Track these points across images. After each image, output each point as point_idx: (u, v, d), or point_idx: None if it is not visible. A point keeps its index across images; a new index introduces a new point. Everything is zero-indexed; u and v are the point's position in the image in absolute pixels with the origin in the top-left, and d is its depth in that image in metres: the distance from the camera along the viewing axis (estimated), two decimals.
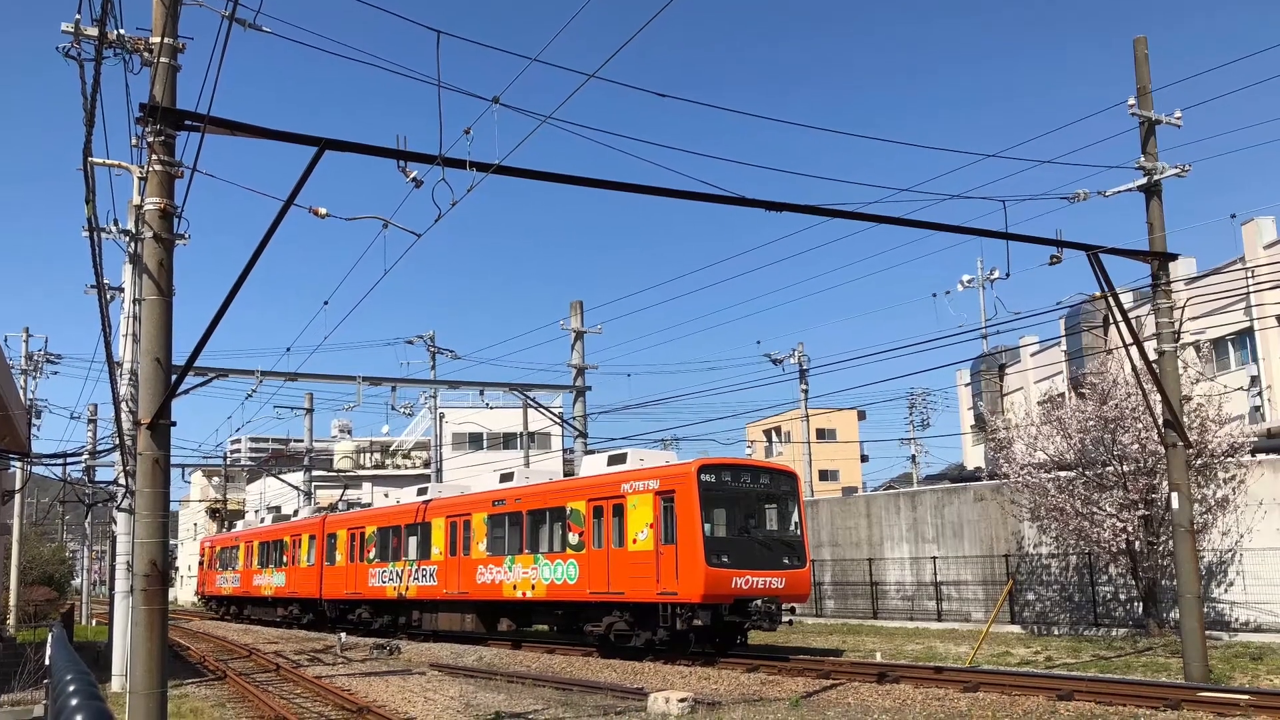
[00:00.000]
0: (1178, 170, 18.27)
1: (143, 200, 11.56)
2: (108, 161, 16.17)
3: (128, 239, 20.31)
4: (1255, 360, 38.33)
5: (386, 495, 38.22)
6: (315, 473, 56.46)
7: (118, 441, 22.51)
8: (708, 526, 21.25)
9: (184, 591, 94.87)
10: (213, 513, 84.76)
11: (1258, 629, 23.91)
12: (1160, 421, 18.90)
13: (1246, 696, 13.88)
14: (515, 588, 26.16)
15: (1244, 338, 39.15)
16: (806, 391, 46.78)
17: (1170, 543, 20.55)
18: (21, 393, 37.45)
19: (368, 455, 79.69)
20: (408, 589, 31.28)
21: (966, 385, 60.40)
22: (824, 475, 72.23)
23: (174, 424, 11.32)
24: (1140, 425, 23.60)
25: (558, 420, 38.74)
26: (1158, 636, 23.88)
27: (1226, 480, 24.07)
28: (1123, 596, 26.86)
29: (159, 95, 11.11)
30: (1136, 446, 23.82)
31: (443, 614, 30.08)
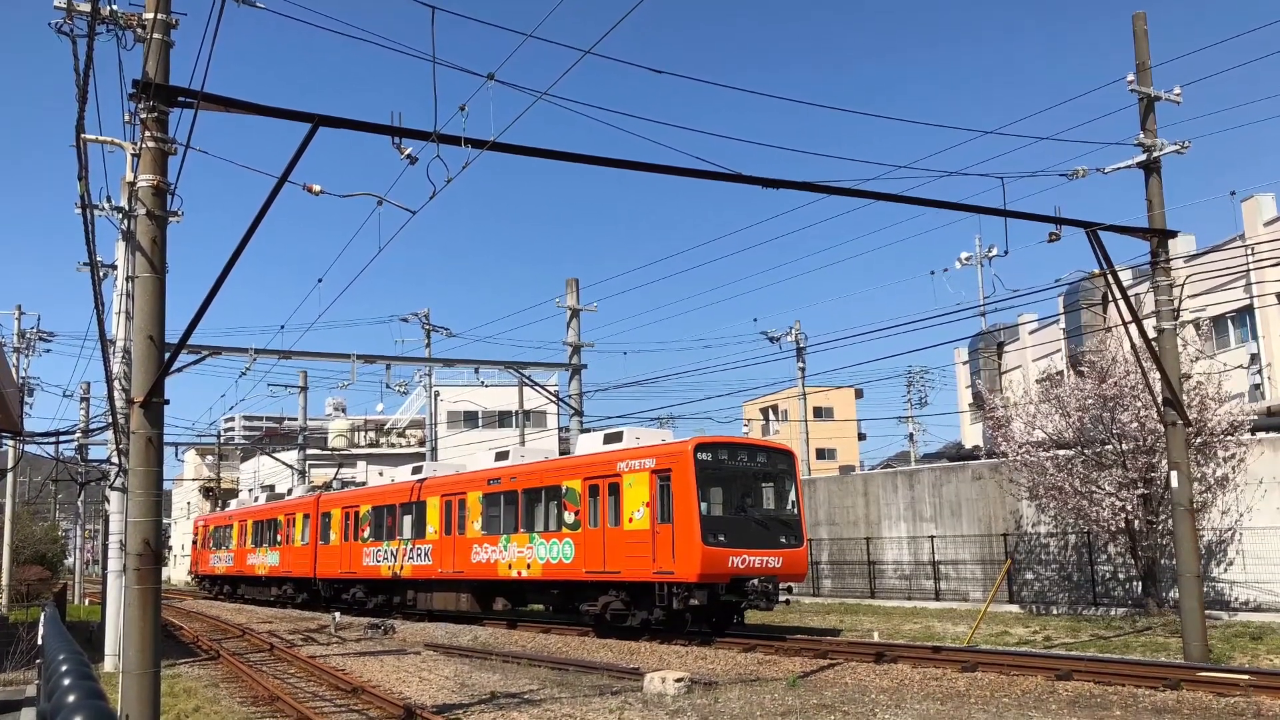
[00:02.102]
0: (1177, 147, 18.10)
1: (136, 177, 11.42)
2: (101, 138, 15.98)
3: (121, 216, 20.12)
4: (1255, 338, 38.32)
5: (381, 474, 38.20)
6: (309, 451, 56.37)
7: (111, 420, 22.34)
8: (704, 505, 21.15)
9: (177, 571, 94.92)
10: (206, 492, 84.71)
11: (1257, 608, 23.91)
12: (1160, 400, 18.82)
13: (1246, 676, 13.85)
14: (511, 567, 26.10)
15: (1244, 315, 39.12)
16: (804, 369, 46.70)
17: (1169, 522, 20.50)
18: (14, 371, 37.26)
19: (362, 434, 79.61)
20: (403, 568, 31.22)
21: (965, 363, 60.41)
22: (821, 454, 72.29)
23: (167, 402, 11.22)
24: (1139, 403, 23.53)
25: (553, 398, 38.64)
26: (1157, 616, 23.88)
27: (1226, 459, 24.01)
28: (1122, 576, 26.85)
29: (152, 71, 10.94)
30: (1136, 425, 23.76)
31: (438, 593, 30.03)
